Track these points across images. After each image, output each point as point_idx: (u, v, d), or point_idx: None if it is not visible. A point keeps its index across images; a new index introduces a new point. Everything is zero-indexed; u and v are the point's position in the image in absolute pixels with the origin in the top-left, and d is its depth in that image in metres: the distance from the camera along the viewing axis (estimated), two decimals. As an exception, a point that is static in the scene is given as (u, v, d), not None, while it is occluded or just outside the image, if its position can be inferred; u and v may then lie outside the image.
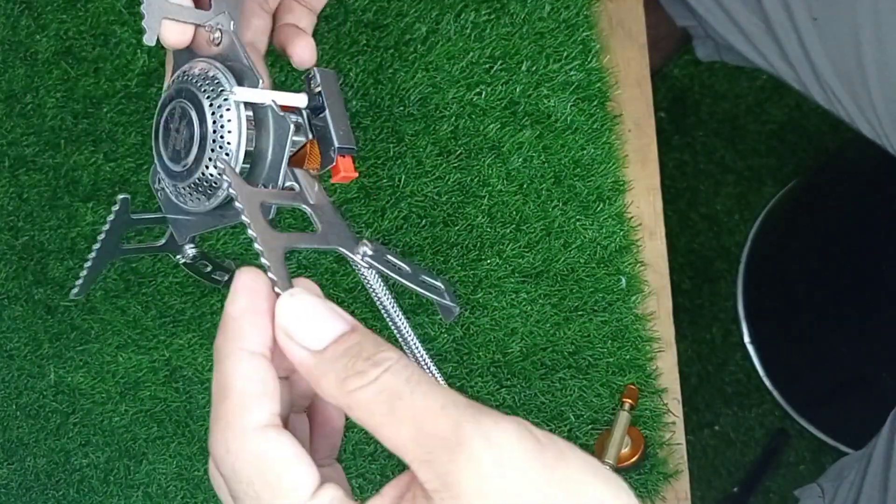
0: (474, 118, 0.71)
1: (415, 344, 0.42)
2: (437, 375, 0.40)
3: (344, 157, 0.42)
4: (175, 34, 0.41)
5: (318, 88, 0.42)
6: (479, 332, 0.68)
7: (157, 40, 0.41)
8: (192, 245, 0.42)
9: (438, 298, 0.41)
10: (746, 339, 1.30)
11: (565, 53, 0.72)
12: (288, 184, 0.40)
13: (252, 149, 0.39)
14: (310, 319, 0.32)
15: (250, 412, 0.32)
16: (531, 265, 0.70)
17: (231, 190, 0.37)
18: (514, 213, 0.71)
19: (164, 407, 0.69)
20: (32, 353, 0.69)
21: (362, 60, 0.70)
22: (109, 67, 0.71)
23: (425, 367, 0.41)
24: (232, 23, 0.40)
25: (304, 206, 0.39)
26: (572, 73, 0.71)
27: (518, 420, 0.30)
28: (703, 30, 0.86)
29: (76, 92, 0.70)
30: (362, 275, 0.42)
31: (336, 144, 0.41)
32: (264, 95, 0.39)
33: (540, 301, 0.70)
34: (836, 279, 1.12)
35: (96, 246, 0.44)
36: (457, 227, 0.70)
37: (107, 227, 0.43)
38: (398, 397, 0.30)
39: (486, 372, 0.69)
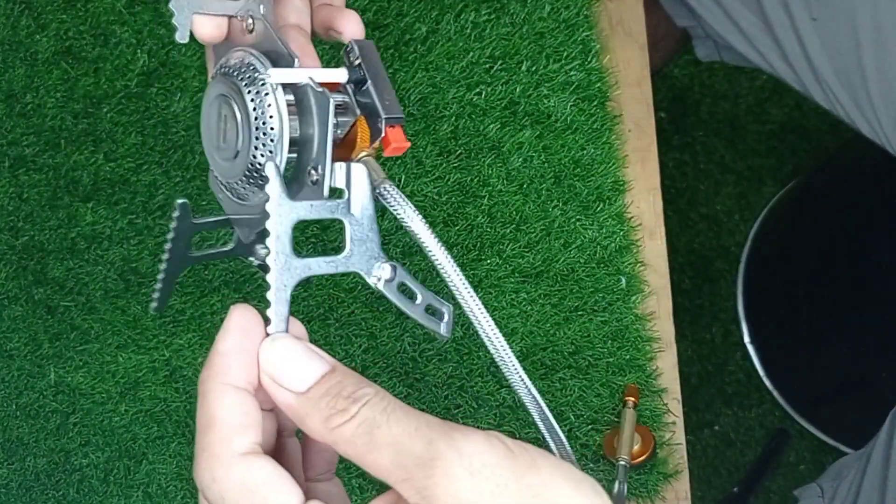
0: (474, 118, 0.71)
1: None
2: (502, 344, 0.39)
3: (393, 127, 0.40)
4: (209, 28, 0.40)
5: (358, 60, 0.40)
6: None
7: (191, 36, 0.40)
8: (263, 246, 0.41)
9: (432, 327, 0.40)
10: (746, 339, 1.30)
11: (565, 53, 0.72)
12: (337, 184, 0.38)
13: (297, 135, 0.38)
14: (292, 363, 0.34)
15: (233, 441, 0.34)
16: (531, 265, 0.70)
17: (268, 207, 0.36)
18: (514, 213, 0.71)
19: (164, 407, 0.69)
20: (32, 353, 0.69)
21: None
22: (109, 67, 0.71)
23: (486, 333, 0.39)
24: (262, 6, 0.39)
25: (344, 217, 0.38)
26: (572, 73, 0.71)
27: (489, 433, 0.32)
28: (702, 30, 0.86)
29: (76, 92, 0.70)
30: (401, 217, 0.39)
31: (383, 115, 0.39)
32: (300, 74, 0.38)
33: (540, 301, 0.70)
34: (836, 279, 1.12)
35: (165, 256, 0.42)
36: (457, 227, 0.70)
37: (171, 234, 0.42)
38: (376, 427, 0.32)
39: (486, 372, 0.69)
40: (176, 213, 0.41)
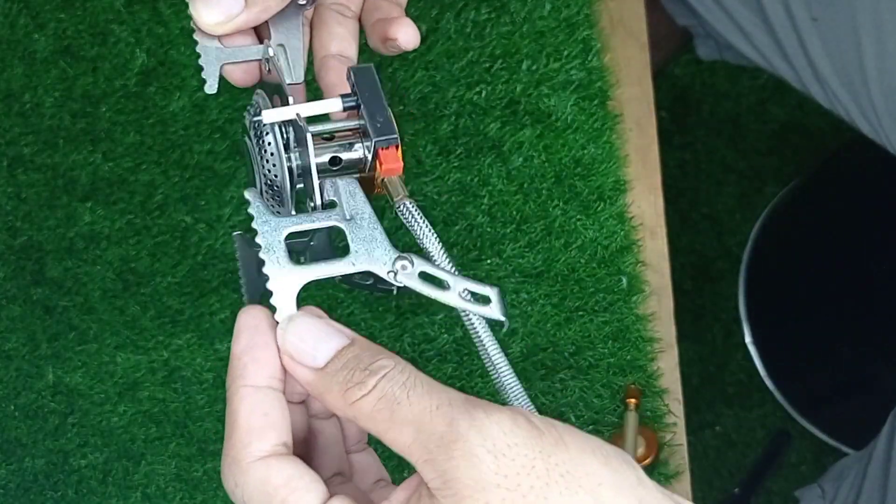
0: (474, 117, 0.71)
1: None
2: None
3: (385, 149, 0.40)
4: (239, 75, 0.42)
5: (353, 85, 0.41)
6: (479, 332, 0.68)
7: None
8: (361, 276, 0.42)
9: (482, 312, 0.39)
10: (748, 339, 1.29)
11: (566, 52, 0.71)
12: (329, 198, 0.40)
13: (297, 164, 0.40)
14: (309, 339, 0.34)
15: (253, 445, 0.34)
16: (531, 265, 0.70)
17: (254, 224, 0.38)
18: (515, 212, 0.70)
19: (163, 408, 0.69)
20: (31, 353, 0.69)
21: (361, 59, 0.70)
22: (108, 66, 0.70)
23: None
24: (270, 49, 0.42)
25: (339, 223, 0.39)
26: (573, 71, 0.71)
27: (514, 409, 0.32)
28: (703, 29, 0.86)
29: (74, 91, 0.70)
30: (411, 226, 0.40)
31: (373, 137, 0.40)
32: (288, 112, 0.40)
33: (540, 301, 0.70)
34: (838, 279, 1.12)
35: (243, 290, 0.43)
36: (457, 227, 0.70)
37: (240, 262, 0.43)
38: (396, 402, 0.32)
39: (486, 372, 0.69)
40: (236, 245, 0.43)
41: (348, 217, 0.39)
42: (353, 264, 0.38)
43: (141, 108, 0.70)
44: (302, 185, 0.40)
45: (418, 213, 0.39)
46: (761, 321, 1.28)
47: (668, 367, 0.71)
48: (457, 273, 0.38)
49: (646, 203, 0.72)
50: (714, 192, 1.33)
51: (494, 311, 0.38)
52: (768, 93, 1.33)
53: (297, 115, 0.40)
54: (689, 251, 1.31)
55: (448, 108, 0.71)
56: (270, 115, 0.40)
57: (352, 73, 0.41)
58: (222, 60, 0.42)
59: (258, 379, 0.35)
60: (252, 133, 0.41)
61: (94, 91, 0.70)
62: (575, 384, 0.69)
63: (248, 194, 0.39)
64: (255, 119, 0.41)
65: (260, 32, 0.43)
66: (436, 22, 0.71)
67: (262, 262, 0.39)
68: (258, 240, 0.38)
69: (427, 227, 0.39)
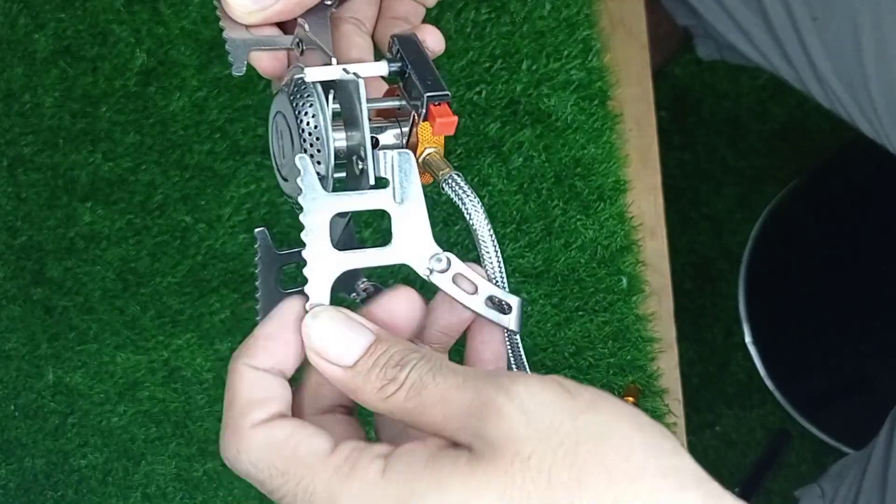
0: (475, 117, 0.71)
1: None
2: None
3: (437, 104, 0.38)
4: (268, 63, 0.41)
5: (397, 52, 0.40)
6: (479, 332, 0.68)
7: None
8: (363, 280, 0.40)
9: (499, 320, 0.39)
10: (748, 339, 1.29)
11: (566, 52, 0.71)
12: (380, 174, 0.37)
13: (343, 134, 0.38)
14: (336, 337, 0.34)
15: (253, 413, 0.34)
16: (532, 265, 0.70)
17: (301, 199, 0.35)
18: (515, 212, 0.70)
19: (163, 408, 0.69)
20: (31, 353, 0.69)
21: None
22: (108, 66, 0.70)
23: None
24: (306, 25, 0.40)
25: (388, 208, 0.37)
26: (573, 71, 0.71)
27: (545, 376, 0.32)
28: (703, 29, 0.86)
29: (74, 91, 0.70)
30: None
31: (424, 93, 0.38)
32: (334, 70, 0.37)
33: (540, 301, 0.70)
34: (838, 279, 1.12)
35: (258, 294, 0.41)
36: (457, 227, 0.70)
37: (258, 268, 0.41)
38: (424, 387, 0.32)
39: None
40: (257, 245, 0.40)
41: (398, 202, 0.37)
42: (394, 254, 0.36)
43: (141, 108, 0.70)
44: (343, 160, 0.38)
45: (468, 188, 0.37)
46: (761, 321, 1.28)
47: (668, 367, 0.71)
48: (500, 268, 0.37)
49: (646, 203, 0.72)
50: (714, 192, 1.33)
51: (511, 321, 0.38)
52: (768, 93, 1.33)
53: (344, 69, 0.37)
54: (689, 251, 1.31)
55: (448, 108, 0.71)
56: (314, 73, 0.37)
57: (395, 41, 0.40)
58: (251, 46, 0.40)
59: (262, 362, 0.35)
60: (291, 101, 0.38)
61: (94, 91, 0.70)
62: (575, 384, 0.69)
63: (299, 162, 0.35)
64: (298, 77, 0.38)
65: (286, 28, 0.42)
66: (436, 22, 0.71)
67: (277, 265, 0.38)
68: (303, 219, 0.35)
69: (477, 201, 0.37)
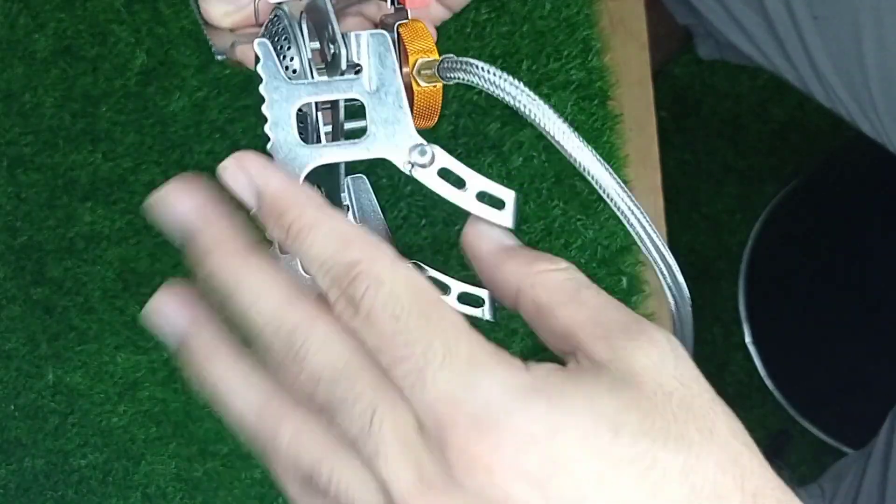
0: (475, 117, 0.71)
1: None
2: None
3: None
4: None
5: None
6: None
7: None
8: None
9: (492, 217, 0.35)
10: (748, 339, 1.29)
11: (566, 52, 0.71)
12: (354, 60, 0.34)
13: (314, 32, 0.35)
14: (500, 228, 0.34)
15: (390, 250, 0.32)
16: (532, 265, 0.70)
17: (262, 89, 0.32)
18: (515, 212, 0.70)
19: (163, 408, 0.69)
20: (30, 353, 0.69)
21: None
22: (108, 66, 0.70)
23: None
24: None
25: (361, 96, 0.33)
26: (573, 71, 0.71)
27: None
28: (704, 28, 0.86)
29: (74, 91, 0.70)
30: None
31: None
32: None
33: (540, 301, 0.70)
34: (838, 279, 1.12)
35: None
36: (457, 227, 0.70)
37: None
38: (585, 286, 0.32)
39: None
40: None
41: (372, 89, 0.34)
42: (369, 149, 0.34)
43: (141, 107, 0.70)
44: (316, 46, 0.35)
45: (488, 66, 0.34)
46: (761, 321, 1.28)
47: (668, 367, 0.71)
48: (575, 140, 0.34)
49: (646, 203, 0.72)
50: (714, 191, 1.33)
51: (506, 217, 0.35)
52: (768, 93, 1.33)
53: None
54: (689, 251, 1.31)
55: (448, 108, 0.70)
56: None
57: None
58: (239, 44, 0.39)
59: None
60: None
61: (94, 91, 0.70)
62: (575, 384, 0.69)
63: (258, 46, 0.32)
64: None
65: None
66: (436, 22, 0.71)
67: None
68: (265, 109, 0.32)
69: (505, 76, 0.34)
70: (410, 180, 0.69)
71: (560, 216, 0.70)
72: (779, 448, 1.27)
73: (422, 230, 0.68)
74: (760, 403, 1.29)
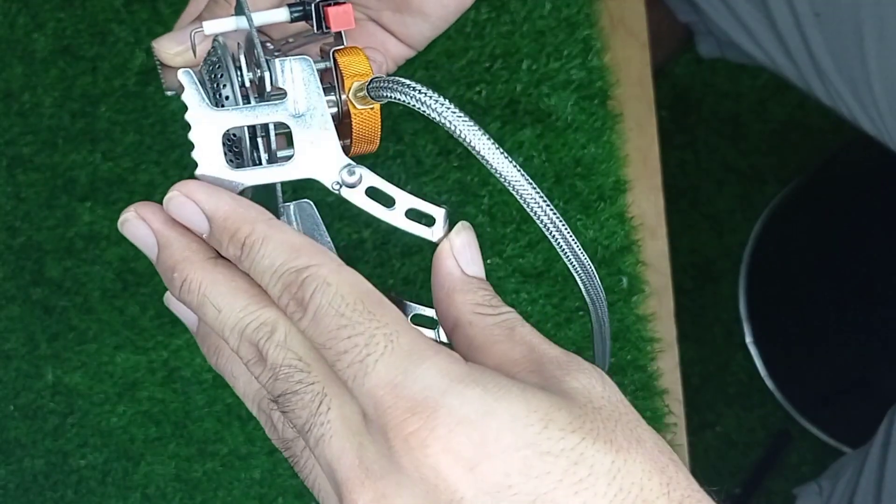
0: (474, 117, 0.70)
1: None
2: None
3: (331, 5, 0.37)
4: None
5: None
6: (479, 332, 0.68)
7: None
8: (392, 292, 0.39)
9: (421, 233, 0.36)
10: (748, 339, 1.29)
11: (566, 52, 0.71)
12: (278, 92, 0.35)
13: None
14: (475, 253, 0.36)
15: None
16: (532, 265, 0.70)
17: (186, 116, 0.33)
18: (515, 212, 0.70)
19: (163, 408, 0.69)
20: (30, 353, 0.69)
21: (361, 59, 0.69)
22: (107, 66, 0.70)
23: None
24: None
25: (286, 120, 0.34)
26: (573, 71, 0.71)
27: None
28: (704, 26, 0.86)
29: (74, 91, 0.70)
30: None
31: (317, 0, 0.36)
32: (228, 22, 0.37)
33: (541, 301, 0.70)
34: (839, 279, 1.12)
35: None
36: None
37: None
38: (519, 326, 0.34)
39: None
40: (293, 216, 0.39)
41: (297, 112, 0.34)
42: (296, 170, 0.35)
43: (140, 107, 0.70)
44: (251, 76, 0.35)
45: (418, 84, 0.34)
46: (762, 321, 1.28)
47: (668, 368, 0.71)
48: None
49: (646, 203, 0.72)
50: (715, 191, 1.33)
51: (435, 233, 0.36)
52: (769, 92, 1.33)
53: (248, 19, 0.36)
54: (689, 251, 1.31)
55: (448, 108, 0.70)
56: (211, 26, 0.37)
57: None
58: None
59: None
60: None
61: (93, 91, 0.70)
62: (575, 384, 0.69)
63: (181, 76, 0.33)
64: (196, 31, 0.37)
65: None
66: (436, 21, 0.71)
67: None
68: (190, 136, 0.34)
69: (431, 94, 0.34)
70: (410, 179, 0.69)
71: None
72: (779, 448, 1.26)
73: (422, 230, 0.68)
74: (760, 403, 1.29)
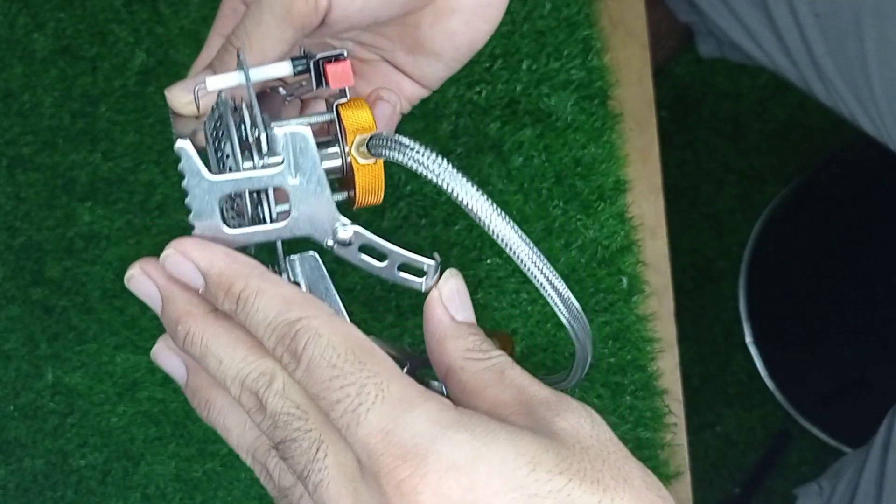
0: (474, 117, 0.70)
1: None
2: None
3: (331, 62, 0.38)
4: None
5: (301, 49, 0.40)
6: (479, 332, 0.68)
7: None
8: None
9: (412, 285, 0.38)
10: (749, 339, 1.29)
11: (566, 52, 0.71)
12: (275, 156, 0.36)
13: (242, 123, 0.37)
14: (465, 299, 0.37)
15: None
16: (532, 265, 0.70)
17: (184, 184, 0.35)
18: (515, 212, 0.70)
19: (163, 408, 0.69)
20: (30, 353, 0.69)
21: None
22: (107, 66, 0.70)
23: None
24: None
25: (283, 184, 0.36)
26: (573, 71, 0.71)
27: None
28: (704, 25, 0.86)
29: (74, 90, 0.70)
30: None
31: (318, 55, 0.38)
32: (232, 77, 0.38)
33: (541, 301, 0.70)
34: (839, 279, 1.12)
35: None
36: (457, 227, 0.70)
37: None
38: (509, 369, 0.35)
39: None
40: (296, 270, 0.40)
41: (294, 175, 0.36)
42: (293, 230, 0.36)
43: (140, 107, 0.70)
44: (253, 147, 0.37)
45: (417, 143, 0.35)
46: (762, 321, 1.28)
47: (668, 368, 0.71)
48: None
49: (646, 203, 0.72)
50: (715, 191, 1.33)
51: (425, 283, 0.38)
52: (769, 92, 1.33)
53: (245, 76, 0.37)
54: (689, 251, 1.31)
55: (448, 108, 0.70)
56: (214, 83, 0.38)
57: (301, 49, 0.40)
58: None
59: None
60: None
61: (93, 91, 0.70)
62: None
63: (177, 148, 0.34)
64: (200, 87, 0.39)
65: None
66: (436, 21, 0.71)
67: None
68: (187, 202, 0.35)
69: (432, 156, 0.35)
70: (411, 180, 0.69)
71: (560, 216, 0.70)
72: (779, 449, 1.26)
73: (422, 230, 0.68)
74: (760, 403, 1.29)
